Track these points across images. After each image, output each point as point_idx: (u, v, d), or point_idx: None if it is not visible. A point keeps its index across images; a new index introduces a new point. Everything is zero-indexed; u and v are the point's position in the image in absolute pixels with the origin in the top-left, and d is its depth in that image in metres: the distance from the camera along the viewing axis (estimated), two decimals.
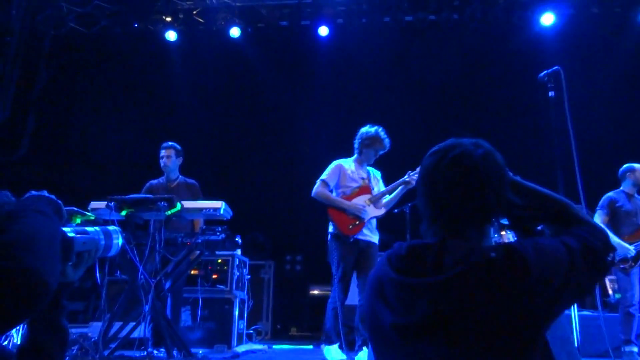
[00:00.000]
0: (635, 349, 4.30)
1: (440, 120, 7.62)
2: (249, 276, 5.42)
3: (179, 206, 3.68)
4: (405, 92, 7.67)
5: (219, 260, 4.98)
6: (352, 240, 3.97)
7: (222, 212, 3.85)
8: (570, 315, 3.07)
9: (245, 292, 5.28)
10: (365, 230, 4.05)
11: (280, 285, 7.10)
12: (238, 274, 5.03)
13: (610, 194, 4.76)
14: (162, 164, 4.64)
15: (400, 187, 4.18)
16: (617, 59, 7.37)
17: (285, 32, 7.80)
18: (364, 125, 4.26)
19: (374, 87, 7.72)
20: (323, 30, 7.61)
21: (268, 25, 7.69)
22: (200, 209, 3.89)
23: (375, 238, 4.14)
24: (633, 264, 4.37)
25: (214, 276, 4.90)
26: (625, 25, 7.23)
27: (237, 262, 5.03)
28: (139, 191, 4.60)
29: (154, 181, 4.71)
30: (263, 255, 6.94)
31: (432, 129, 7.27)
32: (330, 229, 4.08)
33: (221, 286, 4.90)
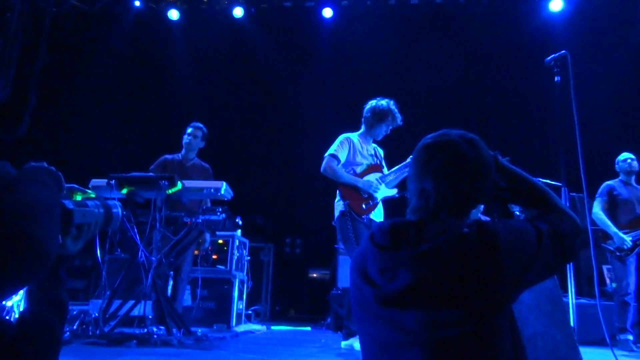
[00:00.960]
0: (631, 337, 4.34)
1: (445, 105, 7.57)
2: (248, 257, 5.44)
3: (179, 185, 3.67)
4: (409, 77, 7.58)
5: (220, 241, 4.99)
6: (365, 220, 3.66)
7: (223, 192, 3.84)
8: (567, 302, 3.08)
9: (245, 273, 5.31)
10: (377, 212, 3.80)
11: (280, 268, 7.14)
12: (238, 254, 5.05)
13: (609, 182, 4.81)
14: (185, 141, 4.56)
15: (404, 171, 3.85)
16: (626, 45, 7.27)
17: (288, 13, 7.71)
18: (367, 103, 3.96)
19: (378, 71, 7.64)
20: (327, 12, 7.53)
21: (272, 5, 7.59)
22: (201, 189, 3.88)
23: (382, 218, 3.87)
24: (629, 252, 4.39)
25: (214, 256, 4.92)
26: (634, 11, 7.12)
27: (237, 243, 5.05)
28: (147, 167, 4.55)
29: (169, 156, 4.64)
30: (263, 238, 6.96)
31: (437, 114, 7.21)
32: (341, 206, 3.71)
33: (221, 266, 4.92)
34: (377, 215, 3.83)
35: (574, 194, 5.12)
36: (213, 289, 4.87)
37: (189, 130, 4.59)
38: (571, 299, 3.08)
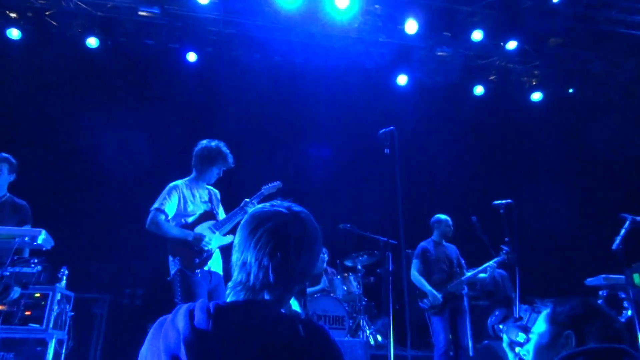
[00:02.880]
0: None
1: (289, 162, 7.88)
2: (72, 313, 4.81)
3: None
4: (261, 129, 7.81)
5: (37, 295, 4.34)
6: (199, 274, 3.53)
7: (40, 241, 3.39)
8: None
9: (66, 331, 4.67)
10: (214, 261, 3.68)
11: (115, 322, 6.44)
12: (58, 310, 4.44)
13: (422, 243, 5.29)
14: None
15: (238, 216, 3.79)
16: (454, 122, 8.46)
17: (150, 51, 7.44)
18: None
19: (232, 119, 7.69)
20: (191, 57, 7.45)
21: (131, 41, 7.26)
22: (13, 237, 3.37)
23: (220, 269, 3.76)
24: (442, 308, 4.85)
25: (27, 313, 4.25)
26: (463, 95, 8.35)
27: (58, 296, 4.44)
28: None
29: None
30: (97, 288, 6.27)
31: (279, 170, 7.42)
32: (174, 264, 3.56)
33: (35, 325, 4.26)
34: (215, 264, 3.71)
35: (411, 250, 5.60)
36: (22, 351, 4.17)
37: None
38: (391, 350, 3.28)
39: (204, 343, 1.02)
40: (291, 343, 1.02)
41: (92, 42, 7.03)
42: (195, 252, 3.56)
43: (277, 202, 1.24)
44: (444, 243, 5.28)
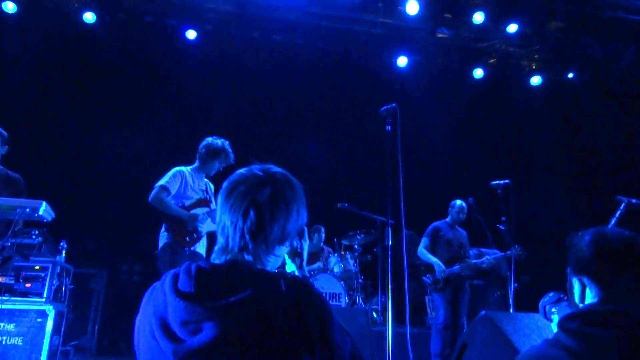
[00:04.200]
0: None
1: (287, 141, 7.88)
2: (71, 286, 4.85)
3: None
4: (259, 109, 7.78)
5: (36, 267, 4.36)
6: (187, 252, 3.80)
7: (41, 212, 3.39)
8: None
9: (66, 303, 4.71)
10: (200, 244, 3.94)
11: (113, 297, 6.49)
12: (57, 283, 4.47)
13: (436, 222, 5.37)
14: None
15: None
16: (453, 104, 8.46)
17: (149, 28, 7.36)
18: (205, 136, 4.14)
19: (230, 99, 7.66)
20: (191, 34, 7.37)
21: (130, 17, 7.17)
22: (14, 207, 3.38)
23: (204, 251, 4.03)
24: (444, 286, 4.94)
25: (27, 285, 4.28)
26: (462, 78, 8.34)
27: (58, 269, 4.47)
28: None
29: None
30: (95, 264, 6.31)
31: (277, 150, 7.43)
32: (165, 238, 3.82)
33: (35, 297, 4.29)
34: (201, 248, 3.98)
35: (410, 231, 5.66)
36: (23, 322, 4.20)
37: None
38: (388, 328, 3.33)
39: (186, 305, 1.03)
40: (272, 298, 1.03)
41: (89, 17, 6.93)
42: (187, 231, 3.85)
43: (256, 165, 1.25)
44: (457, 228, 5.36)
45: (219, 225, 1.20)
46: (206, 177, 4.20)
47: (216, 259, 1.19)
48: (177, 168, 4.01)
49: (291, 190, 1.22)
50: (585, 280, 1.34)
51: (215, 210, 3.85)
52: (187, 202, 3.95)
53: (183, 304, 1.03)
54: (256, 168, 1.23)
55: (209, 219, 3.95)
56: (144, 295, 1.17)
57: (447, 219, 5.40)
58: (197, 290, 1.05)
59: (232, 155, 4.12)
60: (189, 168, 4.09)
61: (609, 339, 1.11)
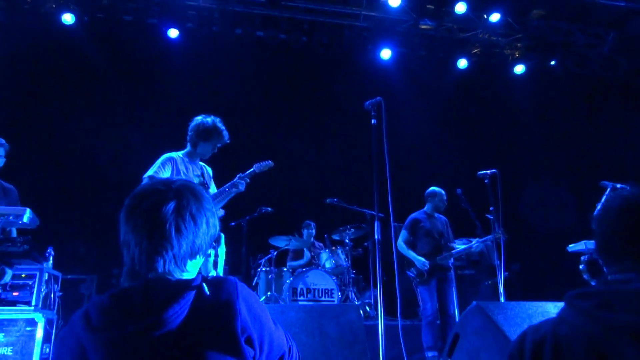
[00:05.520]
0: (435, 354, 4.85)
1: (273, 138, 7.85)
2: (60, 293, 4.79)
3: None
4: (244, 106, 7.73)
5: (23, 275, 4.30)
6: None
7: (25, 219, 3.35)
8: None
9: (55, 310, 4.65)
10: None
11: None
12: (46, 290, 4.41)
13: (413, 214, 5.31)
14: None
15: (230, 191, 3.80)
16: (438, 95, 8.48)
17: (129, 28, 7.25)
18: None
19: (215, 96, 7.59)
20: (173, 33, 7.28)
21: (109, 16, 7.05)
22: None
23: None
24: (428, 277, 4.93)
25: (15, 293, 4.22)
26: (447, 69, 8.36)
27: (46, 276, 4.41)
28: None
29: None
30: (85, 269, 6.24)
31: (264, 147, 7.40)
32: None
33: (23, 305, 4.23)
34: None
35: (399, 224, 5.65)
36: (11, 332, 4.15)
37: None
38: (380, 322, 3.34)
39: (107, 339, 0.99)
40: (198, 307, 1.00)
41: (68, 18, 6.82)
42: None
43: (161, 179, 1.21)
44: (436, 215, 5.31)
45: (123, 246, 1.12)
46: (201, 160, 3.93)
47: (127, 282, 1.11)
48: (167, 155, 3.72)
49: (197, 201, 1.15)
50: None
51: (212, 196, 3.71)
52: None
53: (103, 339, 0.98)
54: (158, 182, 1.17)
55: None
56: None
57: (425, 209, 5.32)
58: (113, 320, 1.00)
59: (225, 133, 3.81)
60: (180, 153, 3.80)
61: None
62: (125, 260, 1.11)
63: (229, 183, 3.83)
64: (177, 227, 1.09)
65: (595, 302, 1.04)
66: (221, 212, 3.85)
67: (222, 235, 3.60)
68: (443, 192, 5.30)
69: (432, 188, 5.36)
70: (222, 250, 3.53)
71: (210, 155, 3.90)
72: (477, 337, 2.32)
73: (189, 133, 3.81)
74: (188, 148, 3.85)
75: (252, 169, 3.94)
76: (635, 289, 1.03)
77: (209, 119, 3.79)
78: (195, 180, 3.76)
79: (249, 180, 3.87)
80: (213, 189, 3.97)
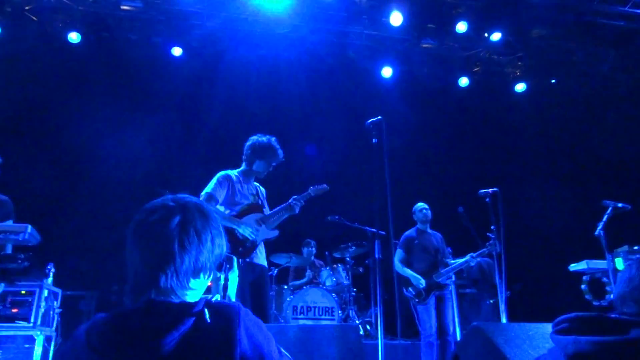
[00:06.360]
0: None
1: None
2: (60, 309, 4.77)
3: None
4: (246, 124, 7.78)
5: (22, 292, 4.29)
6: (242, 264, 3.48)
7: (26, 236, 3.36)
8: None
9: (54, 328, 4.63)
10: (257, 253, 3.64)
11: None
12: (45, 307, 4.39)
13: (406, 232, 5.28)
14: None
15: (283, 213, 3.77)
16: (439, 114, 8.53)
17: (134, 46, 7.36)
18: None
19: (217, 114, 7.64)
20: (176, 51, 7.38)
21: (114, 36, 7.17)
22: None
23: (265, 261, 3.73)
24: (426, 295, 4.87)
25: (14, 310, 4.20)
26: (448, 87, 8.41)
27: (45, 293, 4.39)
28: None
29: None
30: (85, 285, 6.21)
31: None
32: None
33: (22, 322, 4.21)
34: (260, 256, 3.69)
35: (397, 241, 5.61)
36: (10, 349, 4.12)
37: None
38: (380, 341, 3.31)
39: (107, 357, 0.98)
40: (196, 333, 0.99)
41: (74, 37, 6.93)
42: (239, 241, 3.52)
43: (169, 195, 1.18)
44: (429, 231, 5.26)
45: (128, 261, 1.12)
46: (255, 180, 3.92)
47: (128, 301, 1.11)
48: (223, 172, 3.71)
49: (203, 218, 1.15)
50: None
51: (268, 215, 3.71)
52: (237, 208, 3.64)
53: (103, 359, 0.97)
54: (169, 198, 1.16)
55: (264, 226, 3.68)
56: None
57: (418, 225, 5.31)
58: (113, 346, 0.99)
59: (280, 152, 3.83)
60: (235, 172, 3.80)
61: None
62: (129, 274, 1.10)
63: (284, 204, 3.80)
64: (180, 242, 1.08)
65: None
66: (275, 233, 3.79)
67: (235, 259, 3.49)
68: (424, 205, 5.28)
69: (418, 204, 5.35)
70: (233, 274, 3.41)
71: (266, 174, 3.88)
72: (478, 358, 2.29)
73: (245, 152, 3.83)
74: (244, 167, 3.84)
75: (307, 192, 3.90)
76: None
77: (265, 138, 3.81)
78: (250, 199, 3.74)
79: (303, 203, 3.82)
80: (267, 210, 3.91)
